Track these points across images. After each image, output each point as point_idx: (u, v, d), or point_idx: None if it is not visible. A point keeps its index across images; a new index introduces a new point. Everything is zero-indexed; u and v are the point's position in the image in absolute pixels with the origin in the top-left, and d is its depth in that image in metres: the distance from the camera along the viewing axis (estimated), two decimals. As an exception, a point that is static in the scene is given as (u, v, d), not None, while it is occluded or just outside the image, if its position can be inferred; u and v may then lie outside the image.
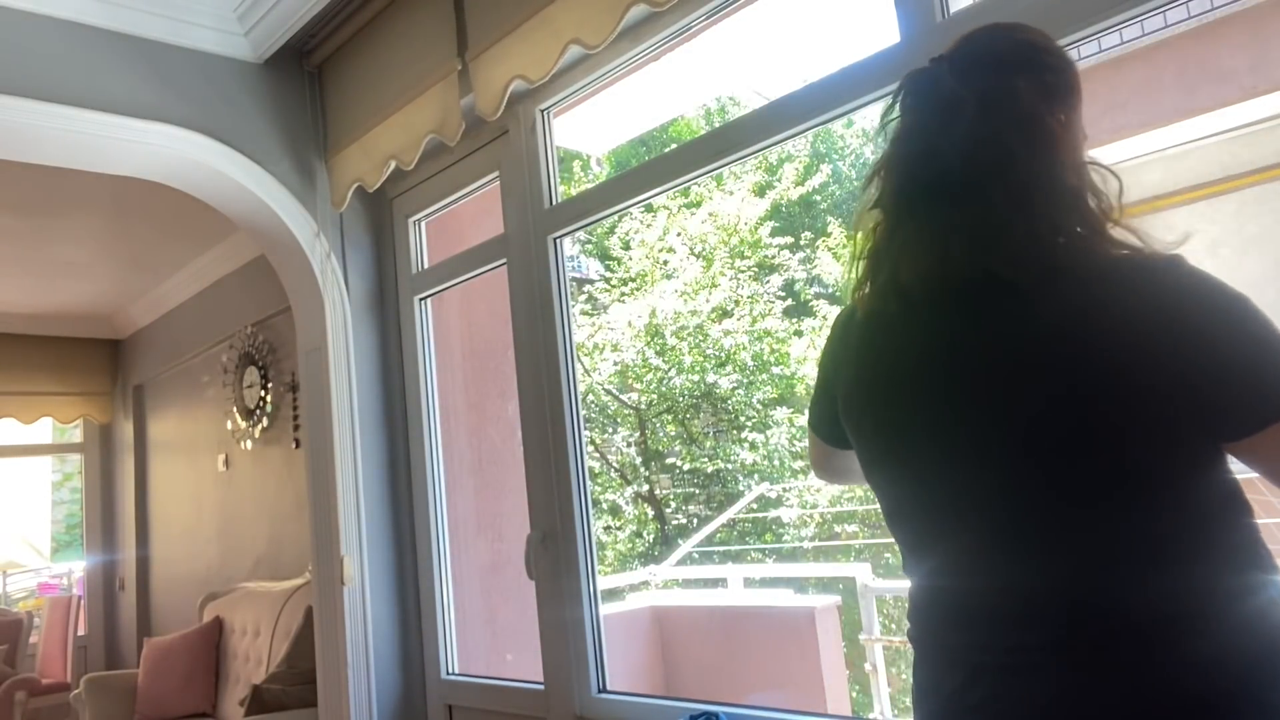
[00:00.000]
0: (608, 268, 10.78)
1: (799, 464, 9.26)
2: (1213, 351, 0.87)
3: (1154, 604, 0.88)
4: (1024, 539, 0.94)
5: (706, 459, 9.39)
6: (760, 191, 10.32)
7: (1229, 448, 0.89)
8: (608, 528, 9.76)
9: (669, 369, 9.34)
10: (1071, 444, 0.90)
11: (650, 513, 10.01)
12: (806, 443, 1.33)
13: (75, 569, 9.17)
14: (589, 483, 2.52)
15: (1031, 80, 1.01)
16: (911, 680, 1.09)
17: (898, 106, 1.08)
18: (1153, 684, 0.86)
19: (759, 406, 9.35)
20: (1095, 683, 0.88)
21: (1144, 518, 0.89)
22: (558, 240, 2.56)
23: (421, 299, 3.04)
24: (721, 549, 9.04)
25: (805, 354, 9.40)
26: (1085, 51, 5.20)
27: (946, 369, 0.99)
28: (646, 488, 10.03)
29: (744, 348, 9.26)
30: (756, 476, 9.23)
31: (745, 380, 9.27)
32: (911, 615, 1.09)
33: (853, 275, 1.09)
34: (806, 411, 1.23)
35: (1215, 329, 0.88)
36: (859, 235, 1.09)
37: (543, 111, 2.58)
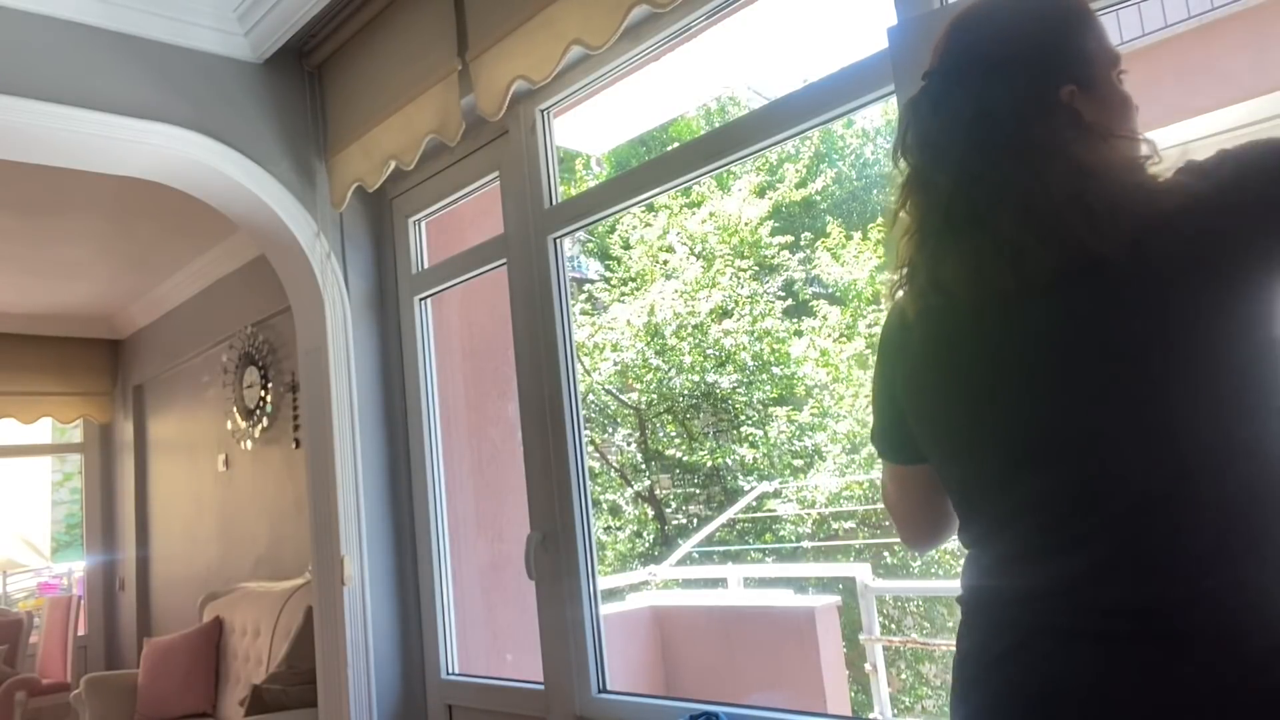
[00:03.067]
0: (608, 267, 10.78)
1: (798, 461, 9.26)
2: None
3: (1249, 586, 0.85)
4: (1117, 494, 0.90)
5: (706, 454, 9.39)
6: (761, 192, 10.33)
7: None
8: (608, 528, 9.75)
9: (669, 369, 9.33)
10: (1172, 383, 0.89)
11: (650, 513, 10.01)
12: (884, 503, 1.25)
13: (75, 569, 9.17)
14: (589, 483, 2.52)
15: (1022, 75, 0.99)
16: (955, 649, 1.03)
17: (904, 140, 1.07)
18: (1241, 673, 0.83)
19: (759, 406, 9.35)
20: (1177, 663, 0.84)
21: (1240, 493, 0.87)
22: (558, 240, 2.56)
23: (421, 299, 3.04)
24: (721, 549, 9.04)
25: (805, 354, 9.39)
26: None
27: (1015, 349, 0.97)
28: (647, 484, 10.03)
29: (744, 348, 9.26)
30: (755, 475, 9.23)
31: (745, 380, 9.27)
32: (965, 572, 1.04)
33: (895, 277, 1.08)
34: (876, 453, 1.19)
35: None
36: (896, 241, 1.07)
37: (543, 111, 2.58)
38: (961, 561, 1.08)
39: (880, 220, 11.05)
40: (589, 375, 9.51)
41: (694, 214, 10.04)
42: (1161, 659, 0.85)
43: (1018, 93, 0.98)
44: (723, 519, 8.94)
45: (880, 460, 1.19)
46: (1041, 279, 0.93)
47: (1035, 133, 0.96)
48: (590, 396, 9.78)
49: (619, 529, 9.82)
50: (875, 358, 1.15)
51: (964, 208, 0.98)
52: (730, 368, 9.28)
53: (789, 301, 10.06)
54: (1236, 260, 0.89)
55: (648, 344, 9.36)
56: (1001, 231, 0.95)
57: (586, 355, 9.44)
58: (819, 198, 11.81)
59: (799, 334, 9.71)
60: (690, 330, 9.32)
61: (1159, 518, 0.88)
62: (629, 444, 10.14)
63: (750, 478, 9.25)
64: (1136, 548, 0.88)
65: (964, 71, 1.02)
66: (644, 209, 9.97)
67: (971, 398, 1.00)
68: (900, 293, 1.07)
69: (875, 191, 12.93)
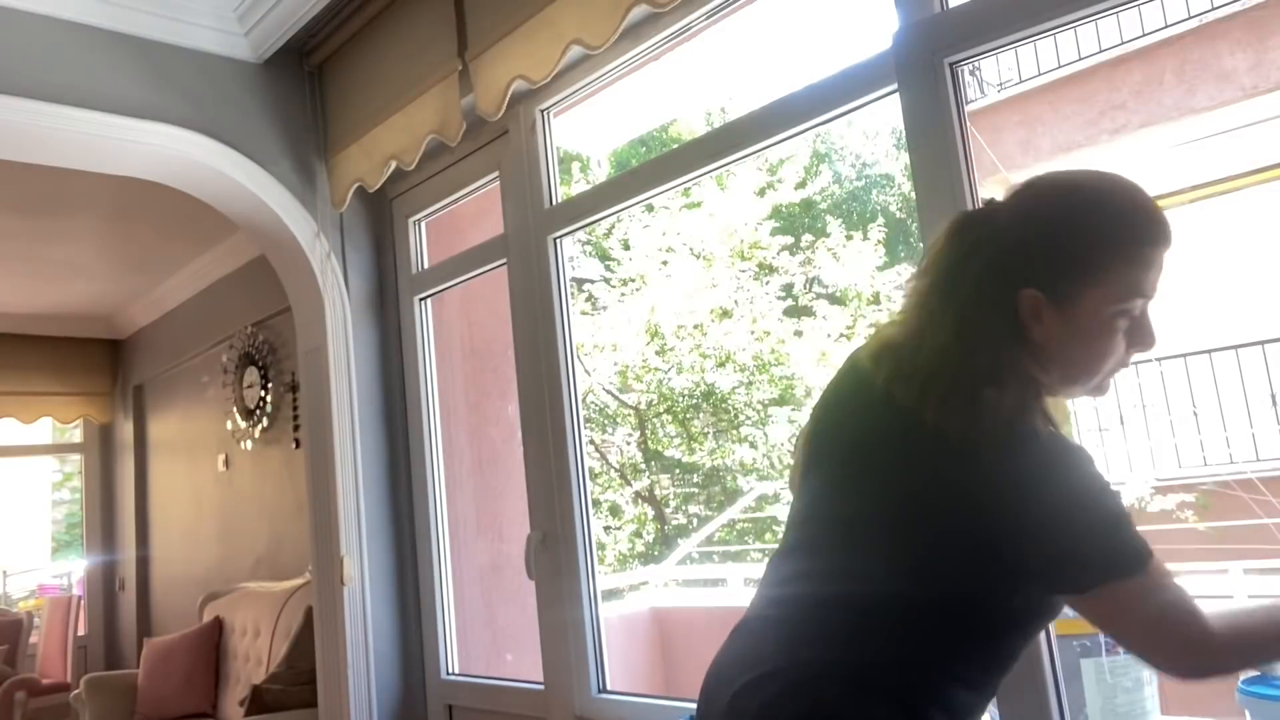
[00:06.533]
0: (608, 268, 10.77)
1: (798, 463, 9.24)
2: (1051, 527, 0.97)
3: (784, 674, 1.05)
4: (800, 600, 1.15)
5: (706, 454, 9.40)
6: (761, 193, 10.32)
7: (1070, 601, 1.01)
8: (608, 528, 9.75)
9: (669, 369, 9.33)
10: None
11: (650, 513, 10.00)
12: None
13: (75, 569, 9.17)
14: (589, 483, 2.52)
15: (994, 262, 1.05)
16: None
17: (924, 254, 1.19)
18: None
19: (759, 407, 9.35)
20: None
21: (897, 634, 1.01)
22: (558, 240, 2.56)
23: (421, 299, 3.04)
24: (721, 549, 9.04)
25: (805, 354, 9.40)
26: (1086, 50, 5.20)
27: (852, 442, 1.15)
28: (647, 484, 10.03)
29: (744, 348, 9.26)
30: (755, 475, 9.23)
31: (745, 380, 9.27)
32: None
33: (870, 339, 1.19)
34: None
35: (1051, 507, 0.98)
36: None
37: (543, 112, 2.58)
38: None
39: (880, 221, 11.06)
40: (589, 375, 9.50)
41: (694, 214, 10.03)
42: None
43: (983, 275, 1.05)
44: (723, 519, 8.94)
45: None
46: (891, 411, 1.05)
47: (969, 313, 1.03)
48: (590, 396, 9.78)
49: (619, 529, 9.82)
50: None
51: (912, 324, 1.09)
52: (730, 368, 9.28)
53: (789, 302, 10.05)
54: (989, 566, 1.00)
55: (648, 344, 9.36)
56: (918, 358, 1.05)
57: (586, 355, 9.44)
58: (819, 198, 11.82)
59: (799, 334, 9.71)
60: (690, 330, 9.32)
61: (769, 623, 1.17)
62: (629, 444, 10.13)
63: (750, 478, 9.25)
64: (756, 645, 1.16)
65: (968, 273, 1.08)
66: (644, 209, 9.96)
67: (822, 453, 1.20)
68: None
69: (875, 192, 12.93)
